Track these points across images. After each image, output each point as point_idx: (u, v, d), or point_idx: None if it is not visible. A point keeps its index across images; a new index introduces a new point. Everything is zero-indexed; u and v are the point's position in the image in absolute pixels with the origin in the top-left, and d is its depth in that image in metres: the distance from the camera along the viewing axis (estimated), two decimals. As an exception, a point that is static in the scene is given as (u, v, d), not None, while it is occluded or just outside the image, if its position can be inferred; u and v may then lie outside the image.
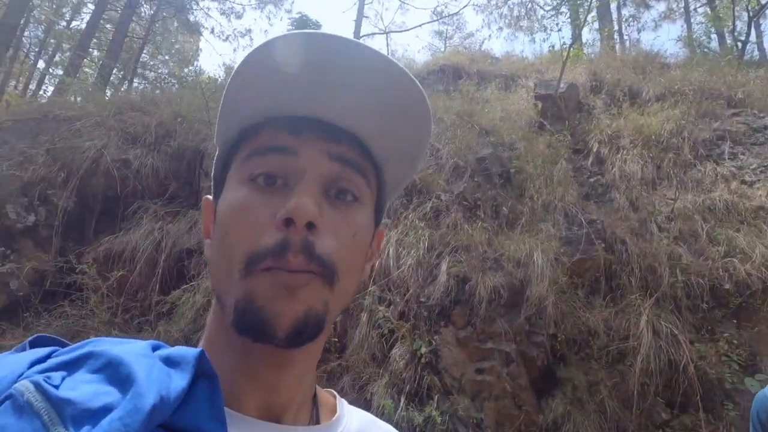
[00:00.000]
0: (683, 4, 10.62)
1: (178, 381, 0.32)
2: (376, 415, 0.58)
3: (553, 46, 8.45)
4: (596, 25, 9.43)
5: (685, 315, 3.24)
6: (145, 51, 14.07)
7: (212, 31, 14.91)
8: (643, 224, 3.81)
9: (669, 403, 2.95)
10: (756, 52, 9.16)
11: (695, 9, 10.40)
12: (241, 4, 14.62)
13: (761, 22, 9.23)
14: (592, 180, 4.49)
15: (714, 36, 9.70)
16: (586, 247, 3.51)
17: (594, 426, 2.82)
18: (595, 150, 4.75)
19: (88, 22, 10.73)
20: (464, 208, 3.92)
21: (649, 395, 2.90)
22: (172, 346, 0.45)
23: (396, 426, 2.93)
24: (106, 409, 0.29)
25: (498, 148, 4.63)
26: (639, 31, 11.63)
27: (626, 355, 3.02)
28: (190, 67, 15.99)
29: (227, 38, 14.90)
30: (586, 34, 9.60)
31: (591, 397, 2.94)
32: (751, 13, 8.38)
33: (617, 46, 9.21)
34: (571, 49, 6.50)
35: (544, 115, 5.22)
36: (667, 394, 2.95)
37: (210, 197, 0.49)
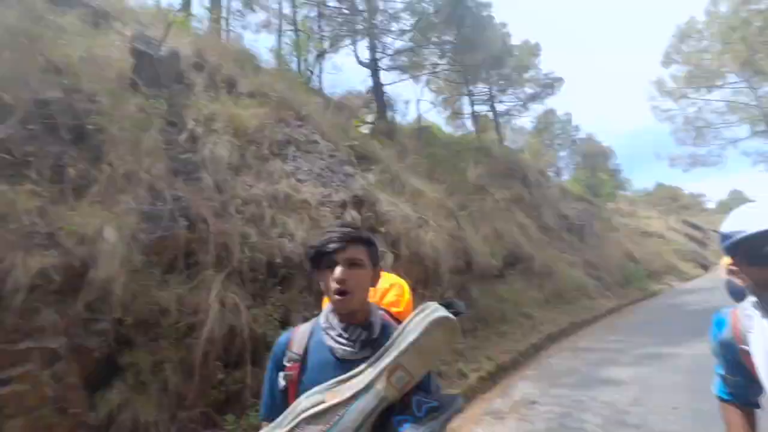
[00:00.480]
0: (279, 22, 12.58)
1: None
2: None
3: (159, 1, 7.74)
4: (208, 2, 9.49)
5: (248, 286, 3.82)
6: None
7: None
8: (224, 206, 4.15)
9: (227, 364, 3.36)
10: (318, 83, 12.22)
11: (285, 31, 12.56)
12: None
13: (323, 61, 12.41)
14: (183, 156, 4.43)
15: (295, 58, 12.10)
16: (169, 225, 3.42)
17: (154, 405, 2.79)
18: (190, 127, 4.73)
19: None
20: (5, 162, 2.86)
21: (210, 361, 3.20)
22: None
23: None
24: None
25: (73, 95, 3.70)
26: (244, 28, 12.72)
27: (195, 328, 3.18)
28: None
29: None
30: (197, 7, 9.46)
31: (155, 376, 2.89)
32: (317, 53, 11.04)
33: (224, 34, 9.65)
34: (180, 14, 6.17)
35: (139, 73, 4.66)
36: (226, 357, 3.35)
37: None
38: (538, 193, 17.86)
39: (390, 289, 1.37)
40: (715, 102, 17.82)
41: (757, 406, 1.23)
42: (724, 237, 1.03)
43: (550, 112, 32.26)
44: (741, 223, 0.98)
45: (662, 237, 24.20)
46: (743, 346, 1.06)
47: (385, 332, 1.09)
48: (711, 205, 47.80)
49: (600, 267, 15.57)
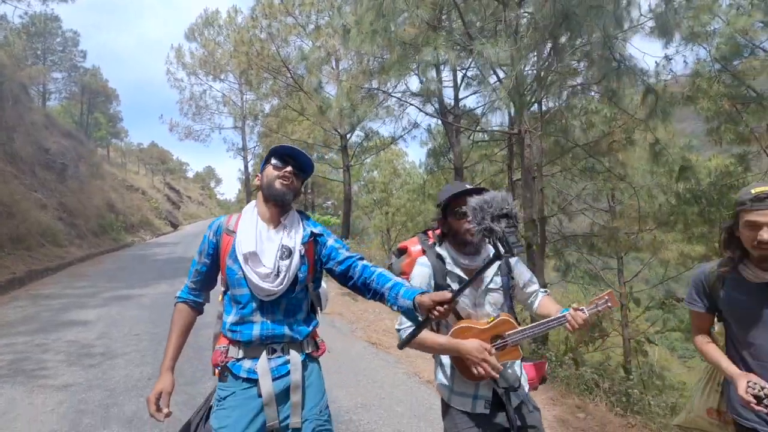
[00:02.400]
0: None
1: None
2: None
3: None
4: None
5: None
6: None
7: None
8: None
9: None
10: None
11: None
12: None
13: None
14: None
15: None
16: None
17: None
18: None
19: None
20: None
21: None
22: None
23: None
24: None
25: None
26: None
27: None
28: None
29: None
30: None
31: None
32: None
33: None
34: None
35: None
36: None
37: None
38: (13, 112, 14.03)
39: None
40: (216, 91, 21.37)
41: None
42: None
43: (52, 18, 26.05)
44: None
45: (145, 194, 25.57)
46: (228, 226, 1.45)
47: None
48: (190, 175, 55.51)
49: (77, 213, 14.38)
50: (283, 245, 1.41)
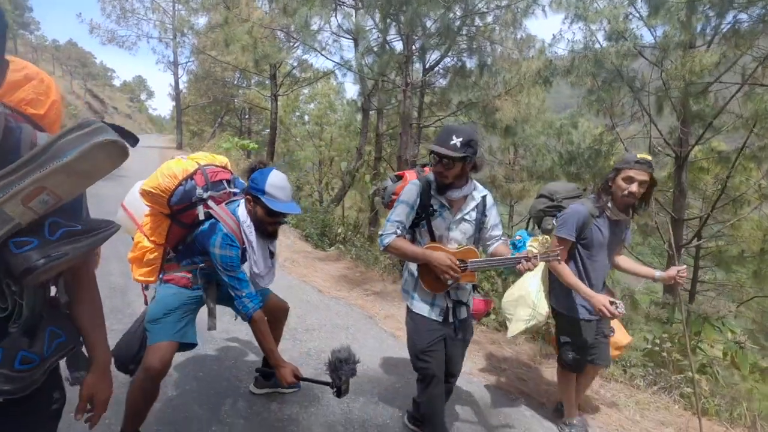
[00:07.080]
0: None
1: None
2: None
3: None
4: None
5: None
6: None
7: None
8: None
9: None
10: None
11: None
12: None
13: None
14: None
15: None
16: None
17: None
18: None
19: None
20: None
21: None
22: None
23: None
24: None
25: None
26: None
27: None
28: None
29: None
30: None
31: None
32: None
33: None
34: None
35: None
36: None
37: None
38: None
39: (25, 82, 1.02)
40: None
41: None
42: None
43: None
44: None
45: (62, 99, 23.69)
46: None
47: (13, 137, 0.81)
48: (117, 83, 50.78)
49: (-18, 111, 13.59)
50: (269, 248, 1.93)
